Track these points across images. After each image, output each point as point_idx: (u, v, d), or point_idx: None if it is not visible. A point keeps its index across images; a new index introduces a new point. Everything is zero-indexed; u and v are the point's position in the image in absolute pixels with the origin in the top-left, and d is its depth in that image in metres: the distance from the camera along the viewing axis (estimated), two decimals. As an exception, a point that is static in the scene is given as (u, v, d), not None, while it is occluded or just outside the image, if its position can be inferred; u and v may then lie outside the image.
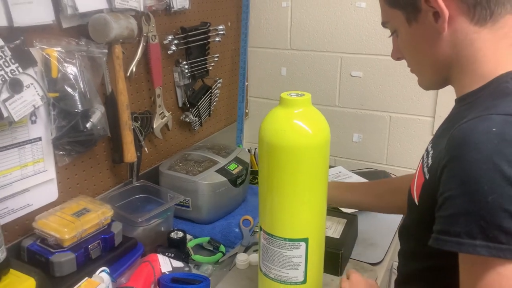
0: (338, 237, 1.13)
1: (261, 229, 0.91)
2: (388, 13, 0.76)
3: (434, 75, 0.77)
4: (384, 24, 0.81)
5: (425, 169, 0.72)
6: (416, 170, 0.80)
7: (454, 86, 0.76)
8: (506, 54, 0.66)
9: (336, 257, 1.09)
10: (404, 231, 0.85)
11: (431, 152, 0.73)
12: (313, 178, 0.84)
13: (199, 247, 1.25)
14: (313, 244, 0.87)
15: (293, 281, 0.89)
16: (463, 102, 0.72)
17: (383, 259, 1.19)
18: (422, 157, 0.79)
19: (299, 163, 0.82)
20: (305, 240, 0.86)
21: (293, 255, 0.87)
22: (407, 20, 0.72)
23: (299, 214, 0.85)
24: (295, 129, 0.82)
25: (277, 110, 0.85)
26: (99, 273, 0.96)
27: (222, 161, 1.39)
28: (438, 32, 0.69)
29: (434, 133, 1.65)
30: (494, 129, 0.56)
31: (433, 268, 0.71)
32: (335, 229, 1.16)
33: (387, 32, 0.83)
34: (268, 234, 0.88)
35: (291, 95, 0.83)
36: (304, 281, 0.89)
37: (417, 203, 0.75)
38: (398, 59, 0.84)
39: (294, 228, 0.86)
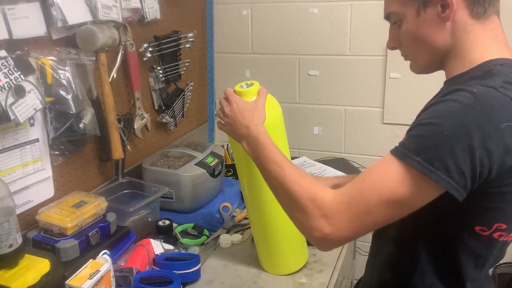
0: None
1: None
2: (398, 4, 0.83)
3: (431, 60, 0.85)
4: (389, 14, 0.86)
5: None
6: None
7: (445, 70, 0.85)
8: (491, 45, 0.79)
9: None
10: None
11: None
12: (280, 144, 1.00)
13: (185, 233, 1.39)
14: None
15: None
16: (450, 82, 0.82)
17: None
18: None
19: None
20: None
21: None
22: (417, 10, 0.80)
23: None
24: None
25: None
26: (101, 255, 1.08)
27: (199, 156, 1.53)
28: (443, 21, 0.78)
29: (383, 121, 1.87)
30: (475, 90, 0.69)
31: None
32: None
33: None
34: None
35: (242, 87, 1.02)
36: None
37: None
38: (393, 48, 0.89)
39: None
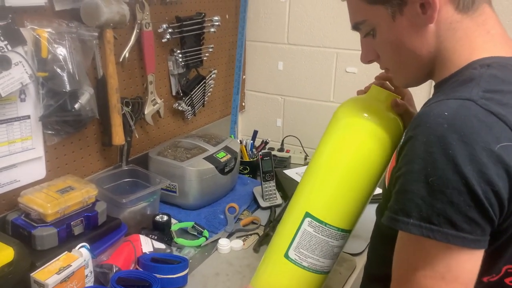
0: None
1: (307, 215, 0.83)
2: (367, 11, 0.72)
3: (417, 70, 0.74)
4: (358, 25, 0.75)
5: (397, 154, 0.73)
6: None
7: (433, 78, 0.74)
8: (482, 41, 0.67)
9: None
10: (378, 209, 0.86)
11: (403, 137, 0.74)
12: (378, 175, 0.81)
13: (183, 232, 1.27)
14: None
15: (324, 270, 0.85)
16: (436, 89, 0.72)
17: (363, 250, 1.21)
18: None
19: (375, 152, 0.79)
20: (350, 232, 0.84)
21: (338, 245, 0.84)
22: (392, 14, 0.69)
23: (357, 206, 0.82)
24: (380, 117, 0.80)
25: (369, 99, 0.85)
26: (78, 248, 0.99)
27: (211, 149, 1.41)
28: (424, 23, 0.67)
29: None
30: (446, 113, 0.56)
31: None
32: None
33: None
34: (321, 222, 0.82)
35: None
36: (329, 271, 0.87)
37: (386, 185, 0.77)
38: (369, 62, 0.79)
39: (349, 220, 0.83)
